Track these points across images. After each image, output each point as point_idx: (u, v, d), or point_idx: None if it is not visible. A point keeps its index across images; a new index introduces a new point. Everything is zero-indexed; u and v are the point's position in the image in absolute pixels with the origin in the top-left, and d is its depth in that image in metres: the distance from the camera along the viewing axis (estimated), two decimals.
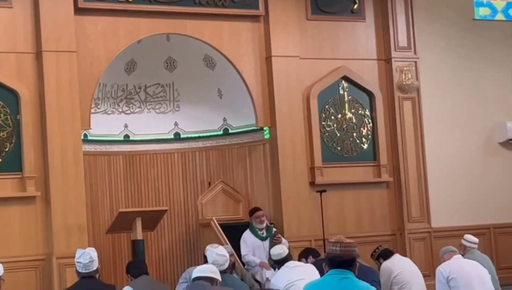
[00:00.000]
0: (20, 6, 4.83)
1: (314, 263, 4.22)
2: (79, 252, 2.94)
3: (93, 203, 5.29)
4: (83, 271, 2.84)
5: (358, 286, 1.61)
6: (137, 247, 4.88)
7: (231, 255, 3.82)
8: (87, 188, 5.10)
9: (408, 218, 5.73)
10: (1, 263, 3.27)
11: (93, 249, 2.98)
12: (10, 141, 4.80)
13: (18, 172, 4.79)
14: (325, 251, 5.08)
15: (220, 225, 5.21)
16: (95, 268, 2.87)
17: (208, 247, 4.18)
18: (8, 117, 4.81)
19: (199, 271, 2.70)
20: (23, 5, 4.84)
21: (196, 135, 5.75)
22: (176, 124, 5.71)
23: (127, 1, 5.09)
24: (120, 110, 5.59)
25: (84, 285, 2.87)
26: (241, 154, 5.68)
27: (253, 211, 5.29)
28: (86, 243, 4.33)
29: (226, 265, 3.35)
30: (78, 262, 2.85)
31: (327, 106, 5.64)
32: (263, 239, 5.12)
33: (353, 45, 5.87)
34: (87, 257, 2.84)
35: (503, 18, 6.49)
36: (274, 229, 5.23)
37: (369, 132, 5.75)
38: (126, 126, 5.57)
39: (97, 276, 2.93)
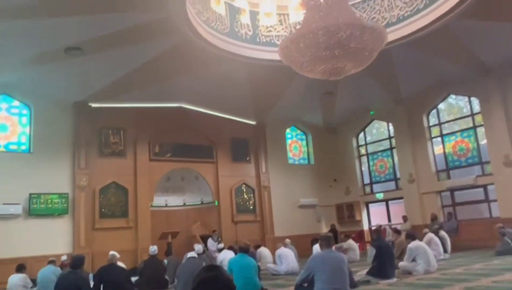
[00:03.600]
0: None
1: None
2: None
3: None
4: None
5: (248, 259, 10.59)
6: None
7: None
8: None
9: None
10: None
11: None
12: None
13: None
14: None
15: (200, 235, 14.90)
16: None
17: (196, 246, 13.84)
18: None
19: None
20: None
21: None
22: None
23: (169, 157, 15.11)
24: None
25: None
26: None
27: (213, 231, 14.98)
28: None
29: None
30: None
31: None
32: (215, 240, 14.83)
33: (248, 171, 16.34)
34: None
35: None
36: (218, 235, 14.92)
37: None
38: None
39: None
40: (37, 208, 11.94)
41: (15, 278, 8.74)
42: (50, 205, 12.15)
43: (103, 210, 13.00)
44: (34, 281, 9.00)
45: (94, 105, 13.32)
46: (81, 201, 12.64)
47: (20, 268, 8.98)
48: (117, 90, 12.60)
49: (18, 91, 12.43)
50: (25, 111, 12.78)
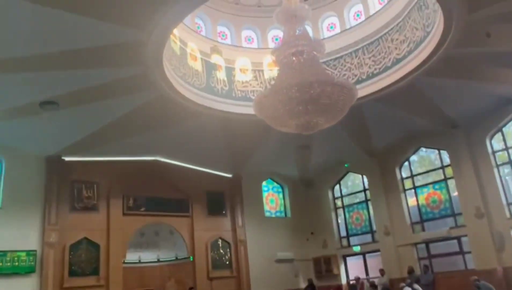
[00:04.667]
0: None
1: None
2: None
3: None
4: None
5: None
6: None
7: None
8: None
9: None
10: None
11: None
12: None
13: None
14: None
15: None
16: None
17: None
18: None
19: None
20: None
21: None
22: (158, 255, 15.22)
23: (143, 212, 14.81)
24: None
25: None
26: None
27: (190, 288, 14.44)
28: None
29: None
30: None
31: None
32: None
33: (224, 224, 16.15)
34: None
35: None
36: None
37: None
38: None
39: None
40: (3, 267, 11.37)
41: None
42: (16, 263, 11.61)
43: (73, 267, 12.47)
44: None
45: (67, 159, 13.16)
46: (50, 258, 12.13)
47: None
48: (92, 143, 12.52)
49: None
50: None
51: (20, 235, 11.93)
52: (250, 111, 10.43)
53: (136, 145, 13.30)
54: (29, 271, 11.76)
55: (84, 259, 12.78)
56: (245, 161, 15.90)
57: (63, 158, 13.11)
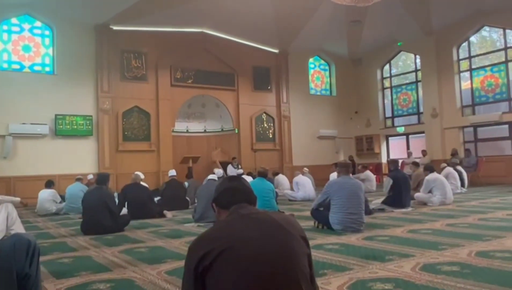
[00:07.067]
0: None
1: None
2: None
3: None
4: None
5: (267, 183, 10.85)
6: None
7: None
8: None
9: None
10: None
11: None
12: None
13: None
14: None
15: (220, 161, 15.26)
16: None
17: (216, 170, 14.19)
18: None
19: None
20: None
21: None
22: (205, 126, 15.86)
23: (190, 83, 15.10)
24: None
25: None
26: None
27: (233, 158, 15.29)
28: None
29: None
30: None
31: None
32: (235, 167, 15.19)
33: (269, 100, 16.29)
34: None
35: None
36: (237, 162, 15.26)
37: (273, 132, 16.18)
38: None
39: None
40: (63, 129, 12.29)
41: (45, 193, 9.22)
42: (75, 126, 12.48)
43: (126, 133, 13.31)
44: (62, 197, 9.49)
45: (115, 27, 13.17)
46: (105, 123, 12.92)
47: (49, 184, 9.46)
48: (139, 12, 12.36)
49: (40, 11, 12.34)
50: (47, 32, 12.75)
51: (76, 100, 12.60)
52: None
53: (183, 15, 13.00)
54: (86, 134, 12.64)
55: (136, 126, 13.53)
56: (293, 36, 15.36)
57: (111, 26, 13.12)
